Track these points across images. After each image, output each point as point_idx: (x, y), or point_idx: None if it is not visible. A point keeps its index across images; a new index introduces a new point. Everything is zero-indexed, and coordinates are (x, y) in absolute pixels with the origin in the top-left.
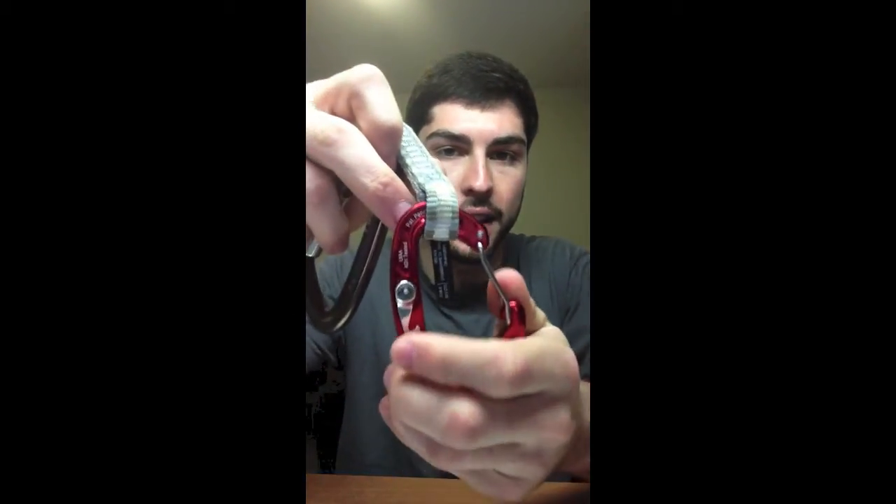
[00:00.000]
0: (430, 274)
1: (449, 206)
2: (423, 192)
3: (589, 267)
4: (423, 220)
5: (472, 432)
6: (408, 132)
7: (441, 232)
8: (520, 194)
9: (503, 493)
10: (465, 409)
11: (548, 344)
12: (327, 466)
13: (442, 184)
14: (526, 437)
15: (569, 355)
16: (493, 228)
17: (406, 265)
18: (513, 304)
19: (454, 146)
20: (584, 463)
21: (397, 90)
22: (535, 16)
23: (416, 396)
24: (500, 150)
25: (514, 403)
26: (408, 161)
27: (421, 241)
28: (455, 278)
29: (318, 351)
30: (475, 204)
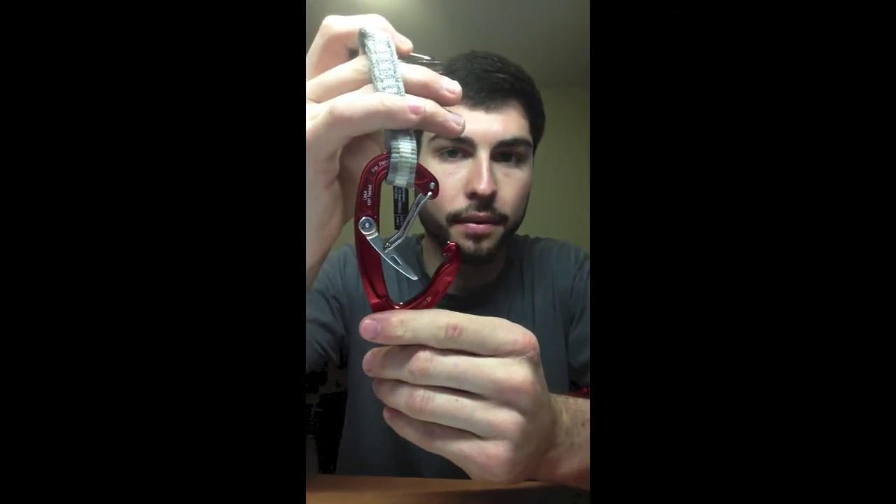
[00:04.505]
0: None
1: (409, 162)
2: (388, 147)
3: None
4: (386, 169)
5: (425, 364)
6: (381, 49)
7: (400, 182)
8: (525, 198)
9: (490, 467)
10: (421, 353)
11: (497, 322)
12: (327, 470)
13: (406, 139)
14: (477, 381)
15: (519, 333)
16: (497, 232)
17: (369, 203)
18: (452, 245)
19: (457, 148)
20: (568, 471)
21: None
22: (534, 15)
23: (396, 356)
24: (504, 151)
25: (458, 354)
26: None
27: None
28: (411, 214)
29: (321, 350)
30: (478, 208)
